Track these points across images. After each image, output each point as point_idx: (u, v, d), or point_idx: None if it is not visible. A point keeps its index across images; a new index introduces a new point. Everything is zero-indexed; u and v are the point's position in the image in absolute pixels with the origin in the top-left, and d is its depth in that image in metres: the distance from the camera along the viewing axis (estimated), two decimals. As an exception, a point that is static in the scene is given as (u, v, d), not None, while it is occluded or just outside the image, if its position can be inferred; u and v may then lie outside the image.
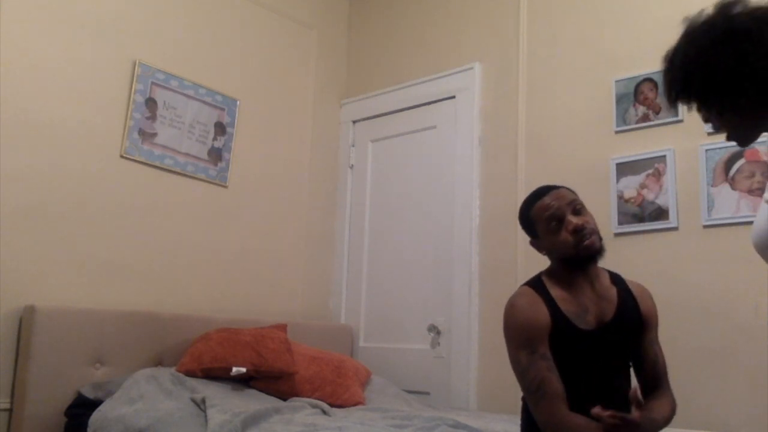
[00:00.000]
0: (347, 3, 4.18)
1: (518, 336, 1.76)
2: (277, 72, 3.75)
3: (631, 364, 1.88)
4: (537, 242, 1.88)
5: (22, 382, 2.59)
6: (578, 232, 1.78)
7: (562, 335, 1.75)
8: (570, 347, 1.75)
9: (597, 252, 1.80)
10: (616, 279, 1.90)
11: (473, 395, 3.21)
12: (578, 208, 1.82)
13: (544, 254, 1.88)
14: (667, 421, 1.77)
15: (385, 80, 3.89)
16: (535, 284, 1.84)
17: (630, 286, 1.90)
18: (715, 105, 1.33)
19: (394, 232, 3.71)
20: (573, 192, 1.87)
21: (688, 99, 1.36)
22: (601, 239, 1.81)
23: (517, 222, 3.16)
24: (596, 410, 1.59)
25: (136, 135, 3.09)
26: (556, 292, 1.81)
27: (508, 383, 3.03)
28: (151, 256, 3.11)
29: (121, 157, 3.05)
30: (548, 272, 1.88)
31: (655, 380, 1.84)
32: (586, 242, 1.77)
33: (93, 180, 2.95)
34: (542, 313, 1.76)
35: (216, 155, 3.39)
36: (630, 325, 1.83)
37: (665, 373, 1.85)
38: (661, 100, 2.84)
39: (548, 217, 1.81)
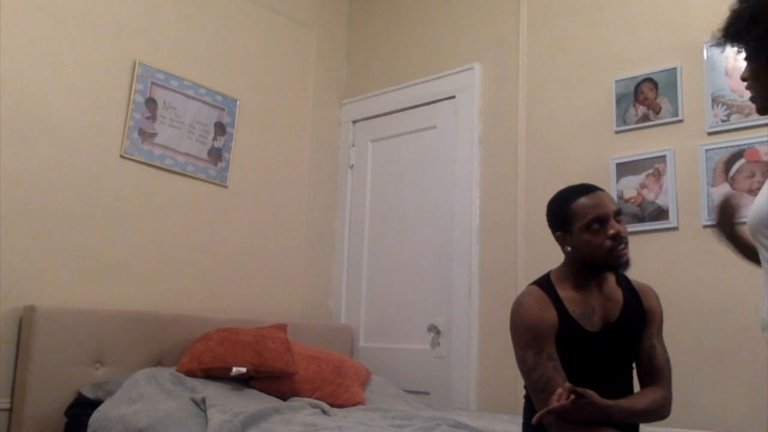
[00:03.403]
0: (347, 3, 4.18)
1: (525, 335, 1.76)
2: (277, 72, 3.74)
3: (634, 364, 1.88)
4: (565, 237, 1.83)
5: (22, 382, 2.59)
6: (617, 239, 1.77)
7: (569, 336, 1.75)
8: (576, 348, 1.75)
9: (625, 265, 1.80)
10: (621, 280, 1.91)
11: (473, 395, 3.21)
12: (619, 216, 1.82)
13: (567, 251, 1.84)
14: (648, 410, 1.76)
15: (385, 80, 3.89)
16: (544, 284, 1.84)
17: (635, 286, 1.91)
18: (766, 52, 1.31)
19: (394, 232, 3.71)
20: (612, 197, 1.86)
21: (746, 38, 1.33)
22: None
23: (517, 222, 3.21)
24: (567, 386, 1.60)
25: (136, 135, 3.09)
26: (564, 292, 1.81)
27: (508, 383, 3.05)
28: (151, 256, 3.11)
29: (121, 157, 3.05)
30: (557, 272, 1.87)
31: (652, 374, 1.83)
32: (621, 252, 1.77)
33: (93, 180, 2.95)
34: (550, 313, 1.77)
35: (216, 155, 3.39)
36: (634, 325, 1.84)
37: (664, 369, 1.83)
38: (661, 99, 2.85)
39: (594, 217, 1.77)
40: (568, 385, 1.61)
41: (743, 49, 1.36)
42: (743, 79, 1.38)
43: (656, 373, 1.82)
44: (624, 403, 1.72)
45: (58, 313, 2.67)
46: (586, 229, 1.78)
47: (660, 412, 1.79)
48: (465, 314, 3.29)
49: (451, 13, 3.67)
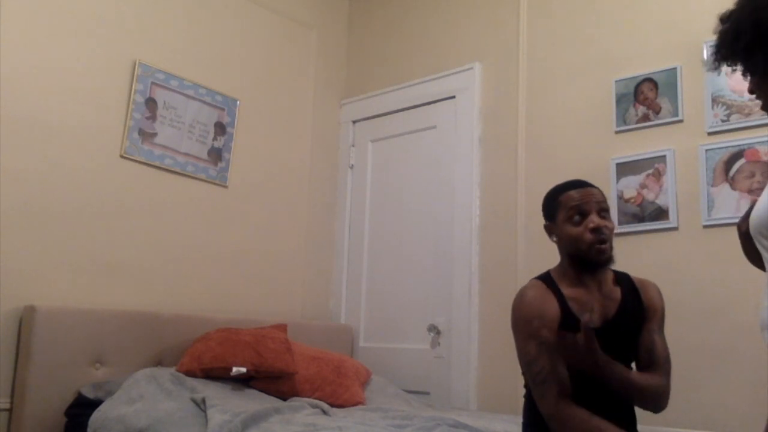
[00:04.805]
0: (347, 3, 4.18)
1: (528, 327, 1.78)
2: (277, 72, 3.74)
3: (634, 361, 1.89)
4: (551, 227, 1.91)
5: (22, 382, 2.59)
6: (596, 232, 1.80)
7: (569, 331, 1.76)
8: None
9: (606, 260, 1.83)
10: (621, 278, 1.93)
11: (473, 395, 3.21)
12: (604, 212, 1.85)
13: (554, 241, 1.91)
14: (642, 387, 1.77)
15: (385, 80, 3.89)
16: (545, 279, 1.88)
17: (635, 282, 1.93)
18: (760, 64, 1.32)
19: (394, 232, 3.71)
20: (604, 196, 1.90)
21: (734, 56, 1.36)
22: (612, 248, 1.84)
23: (517, 222, 3.21)
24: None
25: (136, 135, 3.09)
26: (565, 289, 1.84)
27: (508, 383, 3.05)
28: (151, 256, 3.11)
29: (121, 157, 3.05)
30: (556, 270, 1.91)
31: (652, 365, 1.83)
32: (600, 246, 1.80)
33: (93, 180, 2.95)
34: (552, 306, 1.79)
35: (216, 155, 3.39)
36: (632, 320, 1.86)
37: (664, 362, 1.84)
38: (661, 99, 2.85)
39: (574, 207, 1.83)
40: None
41: (738, 67, 1.37)
42: (750, 92, 1.40)
43: (656, 365, 1.83)
44: (623, 369, 1.74)
45: (58, 313, 2.67)
46: (568, 220, 1.84)
47: (656, 399, 1.80)
48: (465, 314, 3.29)
49: (451, 13, 3.67)
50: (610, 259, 1.83)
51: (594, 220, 1.81)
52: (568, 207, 1.84)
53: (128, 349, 2.83)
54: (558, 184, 1.95)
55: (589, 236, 1.80)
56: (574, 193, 1.86)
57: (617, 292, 1.88)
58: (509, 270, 3.17)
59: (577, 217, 1.83)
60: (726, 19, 1.38)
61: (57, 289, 2.80)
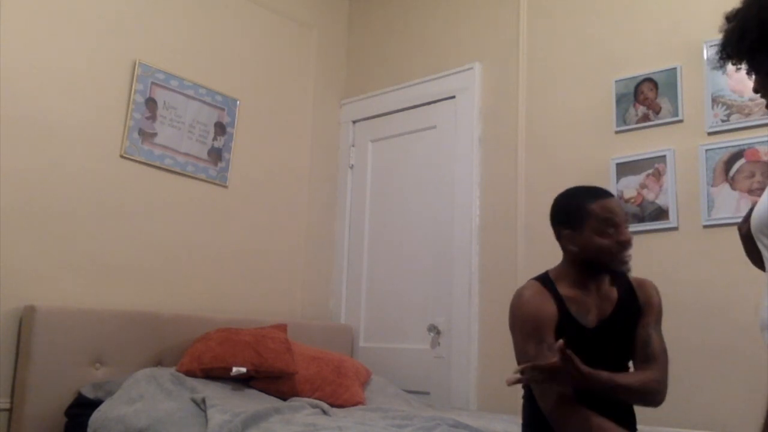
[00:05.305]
0: (347, 3, 4.18)
1: (527, 326, 1.79)
2: (277, 72, 3.74)
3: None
4: (571, 234, 1.85)
5: (22, 382, 2.59)
6: (626, 246, 1.83)
7: (567, 331, 1.77)
8: (573, 343, 1.76)
9: (628, 270, 1.86)
10: (617, 279, 1.93)
11: (473, 395, 3.21)
12: (627, 223, 1.89)
13: (572, 250, 1.86)
14: (632, 387, 1.76)
15: (385, 80, 3.89)
16: (543, 280, 1.88)
17: (632, 281, 1.94)
18: (764, 63, 1.34)
19: (394, 232, 3.71)
20: None
21: (739, 55, 1.37)
22: None
23: (517, 222, 3.21)
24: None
25: (136, 135, 3.09)
26: (562, 290, 1.85)
27: (508, 383, 3.04)
28: (151, 256, 3.11)
29: (121, 157, 3.05)
30: (555, 271, 1.91)
31: (647, 360, 1.83)
32: (626, 259, 1.83)
33: (93, 180, 2.95)
34: (550, 306, 1.80)
35: (216, 155, 3.39)
36: (628, 318, 1.87)
37: (659, 356, 1.83)
38: (661, 99, 2.85)
39: (609, 220, 1.82)
40: (561, 342, 1.61)
41: (743, 65, 1.38)
42: (755, 91, 1.41)
43: (650, 359, 1.83)
44: (607, 374, 1.72)
45: (58, 313, 2.67)
46: (599, 232, 1.82)
47: (650, 395, 1.79)
48: (465, 314, 3.29)
49: (451, 13, 3.67)
50: (629, 268, 1.86)
51: (626, 233, 1.83)
52: (600, 218, 1.82)
53: (128, 349, 2.83)
54: (575, 189, 1.92)
55: (617, 248, 1.82)
56: (604, 205, 1.84)
57: (614, 292, 1.90)
58: (509, 270, 3.17)
59: (610, 230, 1.81)
60: (732, 17, 1.39)
61: (57, 289, 2.80)
